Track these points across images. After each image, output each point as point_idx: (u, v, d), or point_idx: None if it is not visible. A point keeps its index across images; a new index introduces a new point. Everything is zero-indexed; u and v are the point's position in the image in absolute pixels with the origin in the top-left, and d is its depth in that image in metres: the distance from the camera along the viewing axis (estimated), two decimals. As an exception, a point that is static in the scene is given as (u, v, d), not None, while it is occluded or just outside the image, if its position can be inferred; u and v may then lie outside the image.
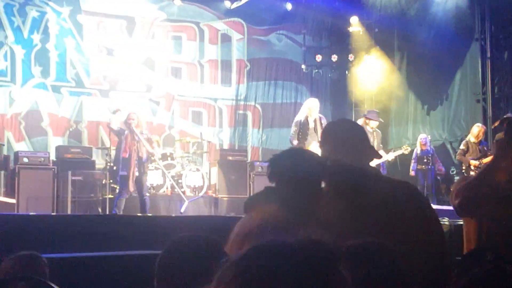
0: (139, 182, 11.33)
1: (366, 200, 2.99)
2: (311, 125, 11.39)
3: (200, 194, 13.31)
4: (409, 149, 13.21)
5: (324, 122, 11.42)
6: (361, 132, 3.38)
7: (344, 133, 3.28)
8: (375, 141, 12.18)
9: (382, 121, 13.28)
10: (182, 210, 11.90)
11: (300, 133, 11.35)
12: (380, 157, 3.53)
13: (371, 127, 12.22)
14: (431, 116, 16.76)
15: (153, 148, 11.72)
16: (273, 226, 2.79)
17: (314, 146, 10.79)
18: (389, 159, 12.69)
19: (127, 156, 11.22)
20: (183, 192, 12.87)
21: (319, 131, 11.01)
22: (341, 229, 2.73)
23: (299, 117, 11.60)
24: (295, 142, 11.32)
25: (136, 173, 11.27)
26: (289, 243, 1.40)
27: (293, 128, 11.55)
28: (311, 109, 11.45)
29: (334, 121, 3.81)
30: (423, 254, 2.89)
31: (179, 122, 16.45)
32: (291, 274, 1.34)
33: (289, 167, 3.03)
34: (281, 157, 3.14)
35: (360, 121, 12.45)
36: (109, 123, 11.70)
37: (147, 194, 11.79)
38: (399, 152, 12.82)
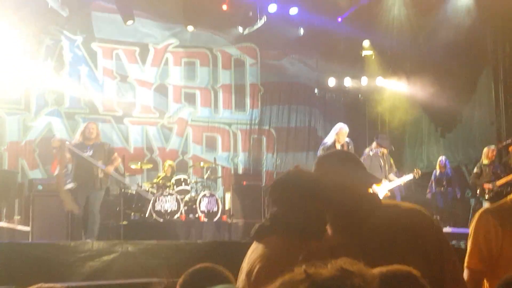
0: (90, 199, 10.87)
1: (359, 230, 2.96)
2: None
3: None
4: (420, 172, 13.16)
5: (352, 147, 11.76)
6: (354, 160, 3.32)
7: (337, 163, 3.23)
8: (386, 164, 12.28)
9: (393, 148, 13.31)
10: None
11: None
12: (379, 181, 3.45)
13: (382, 151, 12.33)
14: (446, 138, 16.68)
15: (112, 163, 11.10)
16: (276, 263, 2.76)
17: None
18: (402, 184, 12.67)
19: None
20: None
21: None
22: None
23: (327, 141, 11.76)
24: None
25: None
26: (320, 275, 1.43)
27: (320, 152, 11.68)
28: (339, 135, 11.66)
29: (327, 153, 3.73)
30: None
31: (192, 148, 16.46)
32: None
33: (294, 190, 2.99)
34: (284, 180, 3.09)
35: (373, 145, 12.59)
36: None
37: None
38: (409, 176, 12.69)
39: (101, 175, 10.91)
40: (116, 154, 11.41)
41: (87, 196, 10.86)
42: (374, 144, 12.61)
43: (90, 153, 10.92)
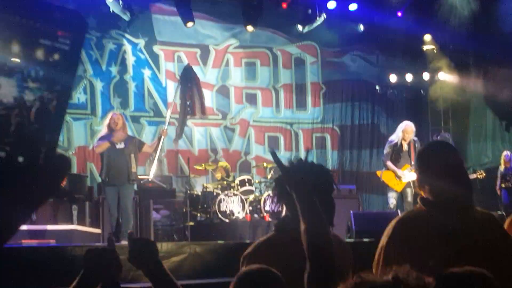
0: (121, 194, 10.72)
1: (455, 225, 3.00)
2: (405, 148, 11.68)
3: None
4: (484, 174, 13.03)
5: (418, 145, 11.62)
6: (457, 158, 3.30)
7: (442, 160, 3.22)
8: None
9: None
10: None
11: (393, 155, 11.68)
12: (470, 189, 3.37)
13: None
14: (511, 132, 16.40)
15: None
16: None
17: (407, 169, 11.40)
18: None
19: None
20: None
21: (413, 154, 11.40)
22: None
23: (394, 138, 11.85)
24: (389, 163, 11.67)
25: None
26: (374, 282, 1.50)
27: (387, 149, 11.84)
28: (405, 132, 11.67)
29: (430, 146, 3.68)
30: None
31: (255, 148, 16.51)
32: None
33: (309, 177, 2.91)
34: (298, 168, 2.97)
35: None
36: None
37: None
38: (472, 177, 12.54)
39: (133, 169, 10.76)
40: (147, 144, 11.55)
41: (117, 192, 10.71)
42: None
43: (121, 145, 10.73)
